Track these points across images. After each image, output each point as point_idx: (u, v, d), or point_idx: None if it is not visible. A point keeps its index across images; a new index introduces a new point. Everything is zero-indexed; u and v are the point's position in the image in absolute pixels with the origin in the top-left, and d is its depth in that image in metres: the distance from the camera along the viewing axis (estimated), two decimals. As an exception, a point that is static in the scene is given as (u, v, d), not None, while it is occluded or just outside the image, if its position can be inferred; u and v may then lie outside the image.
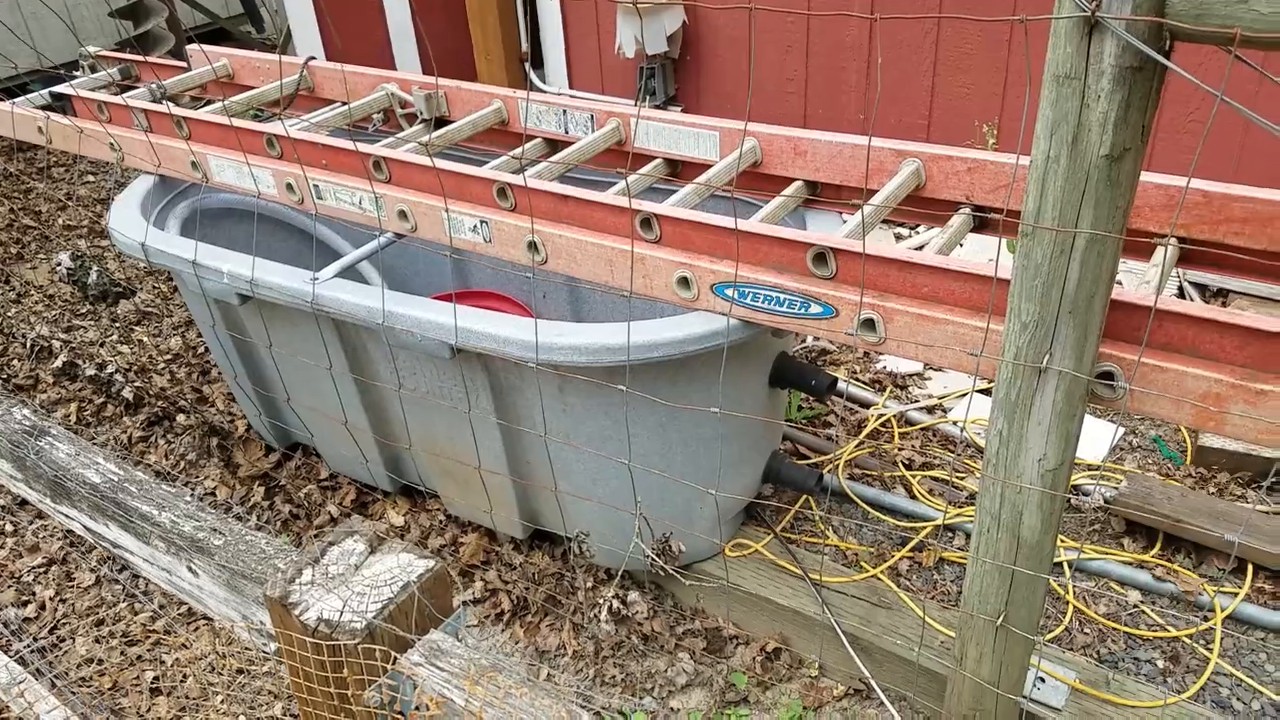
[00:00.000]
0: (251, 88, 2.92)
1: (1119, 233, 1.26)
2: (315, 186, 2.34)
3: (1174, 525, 2.35)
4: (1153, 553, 2.39)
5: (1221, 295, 3.18)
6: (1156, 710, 1.97)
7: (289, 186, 2.40)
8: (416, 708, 0.88)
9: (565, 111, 2.41)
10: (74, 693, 2.31)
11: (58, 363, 3.43)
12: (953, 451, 2.79)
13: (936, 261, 1.60)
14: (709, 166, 2.16)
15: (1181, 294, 3.18)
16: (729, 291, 1.84)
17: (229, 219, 2.90)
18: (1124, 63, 1.16)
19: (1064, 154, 1.23)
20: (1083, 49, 1.17)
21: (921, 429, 2.87)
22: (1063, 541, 2.47)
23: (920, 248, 2.02)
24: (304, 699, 0.99)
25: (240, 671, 2.37)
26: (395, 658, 0.90)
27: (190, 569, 1.21)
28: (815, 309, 1.75)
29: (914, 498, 2.60)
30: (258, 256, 2.30)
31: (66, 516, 1.63)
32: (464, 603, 2.45)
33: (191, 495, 1.30)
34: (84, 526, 1.59)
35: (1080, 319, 1.32)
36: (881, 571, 2.36)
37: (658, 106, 4.20)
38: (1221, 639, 2.18)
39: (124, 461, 1.43)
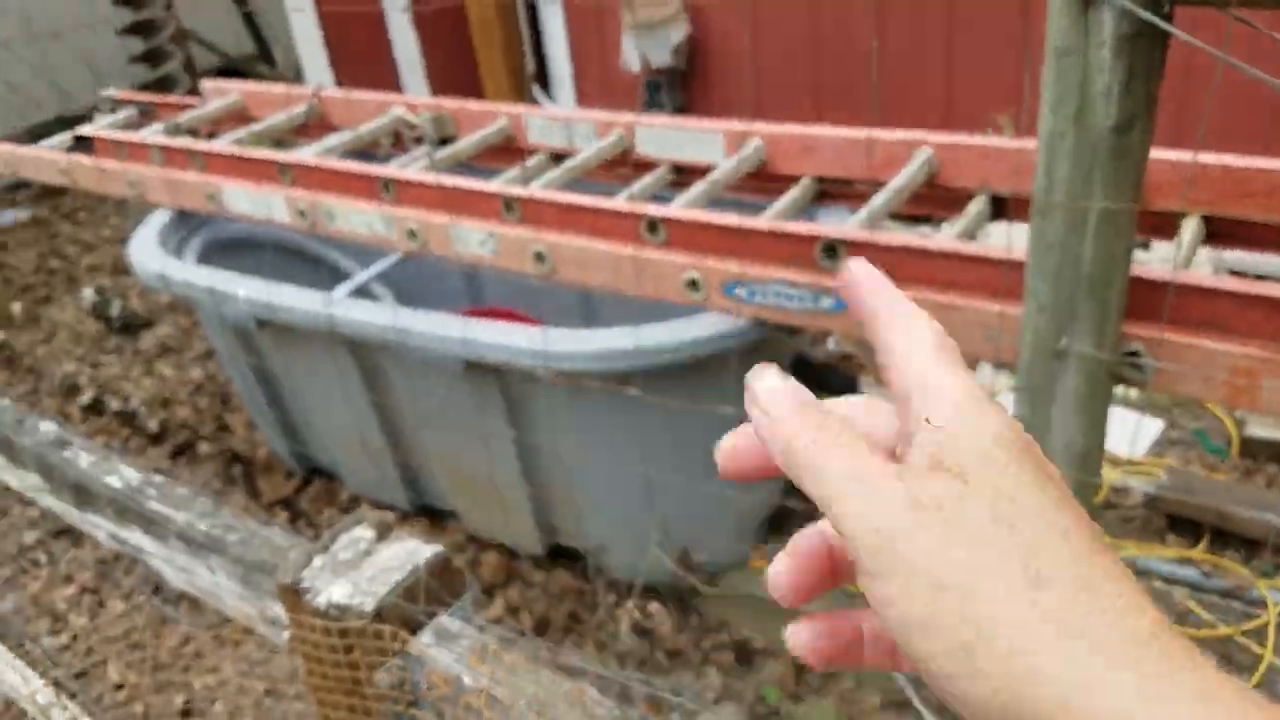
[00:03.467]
0: (263, 119, 2.95)
1: (1132, 204, 1.22)
2: (327, 211, 2.35)
3: (1220, 518, 2.27)
4: (1199, 549, 2.31)
5: (1261, 280, 3.10)
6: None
7: (301, 212, 2.42)
8: (428, 687, 0.88)
9: (569, 124, 2.41)
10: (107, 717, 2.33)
11: (85, 398, 3.50)
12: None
13: (950, 247, 1.57)
14: (714, 170, 2.14)
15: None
16: (738, 290, 1.82)
17: (244, 251, 2.93)
18: (1122, 31, 1.13)
19: (1070, 129, 1.20)
20: (1080, 21, 1.15)
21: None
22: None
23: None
24: (318, 685, 1.00)
25: (269, 693, 2.37)
26: (406, 639, 0.90)
27: (209, 568, 1.22)
28: (826, 302, 1.72)
29: (943, 499, 2.54)
30: (275, 283, 2.32)
31: (94, 526, 1.67)
32: (473, 591, 2.42)
33: (207, 497, 1.36)
34: (109, 534, 1.62)
35: (1098, 297, 1.28)
36: (912, 574, 2.31)
37: (668, 119, 4.20)
38: (1275, 634, 2.09)
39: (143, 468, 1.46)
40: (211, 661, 2.46)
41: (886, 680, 2.14)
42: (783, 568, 0.37)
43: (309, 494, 2.96)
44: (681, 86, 4.32)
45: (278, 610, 1.16)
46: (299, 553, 0.98)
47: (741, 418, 0.38)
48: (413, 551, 0.94)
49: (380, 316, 2.10)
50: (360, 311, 2.14)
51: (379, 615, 0.91)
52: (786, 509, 2.48)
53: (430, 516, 2.77)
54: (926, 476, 0.31)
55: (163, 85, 5.38)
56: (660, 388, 1.94)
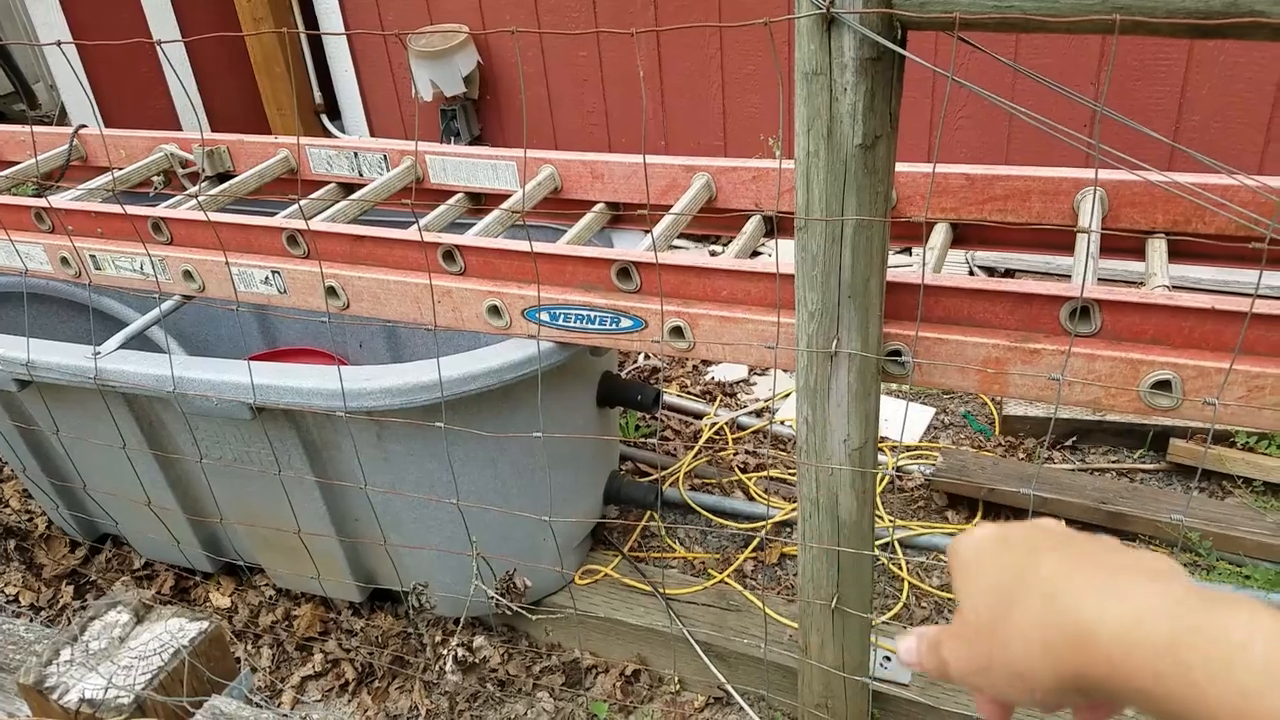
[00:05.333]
0: (19, 164, 2.71)
1: (882, 216, 1.33)
2: (92, 257, 2.19)
3: (989, 493, 2.50)
4: (975, 521, 2.53)
5: (1010, 275, 3.43)
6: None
7: (64, 260, 2.23)
8: (203, 781, 0.81)
9: (357, 154, 2.35)
10: None
11: None
12: (783, 449, 2.87)
13: (729, 265, 1.65)
14: (510, 197, 2.15)
15: (972, 275, 3.41)
16: (540, 315, 1.83)
17: (7, 305, 2.67)
18: (863, 55, 1.23)
19: (822, 147, 1.29)
20: (824, 45, 1.24)
21: (752, 432, 2.94)
22: (891, 521, 2.58)
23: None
24: (83, 799, 0.90)
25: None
26: (172, 732, 0.83)
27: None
28: (625, 323, 1.77)
29: (751, 499, 2.65)
30: (45, 339, 2.13)
31: None
32: (249, 667, 2.31)
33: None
34: None
35: (860, 302, 1.38)
36: (728, 576, 2.39)
37: (466, 148, 4.17)
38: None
39: None
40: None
41: (708, 680, 2.20)
42: None
43: (98, 564, 2.72)
44: (477, 114, 4.31)
45: (28, 712, 1.06)
46: (45, 646, 0.89)
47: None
48: (176, 632, 0.87)
49: (154, 367, 1.96)
50: (131, 364, 1.99)
51: (140, 708, 0.84)
52: (607, 524, 2.51)
53: (235, 575, 2.61)
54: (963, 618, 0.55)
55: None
56: (469, 417, 1.92)
